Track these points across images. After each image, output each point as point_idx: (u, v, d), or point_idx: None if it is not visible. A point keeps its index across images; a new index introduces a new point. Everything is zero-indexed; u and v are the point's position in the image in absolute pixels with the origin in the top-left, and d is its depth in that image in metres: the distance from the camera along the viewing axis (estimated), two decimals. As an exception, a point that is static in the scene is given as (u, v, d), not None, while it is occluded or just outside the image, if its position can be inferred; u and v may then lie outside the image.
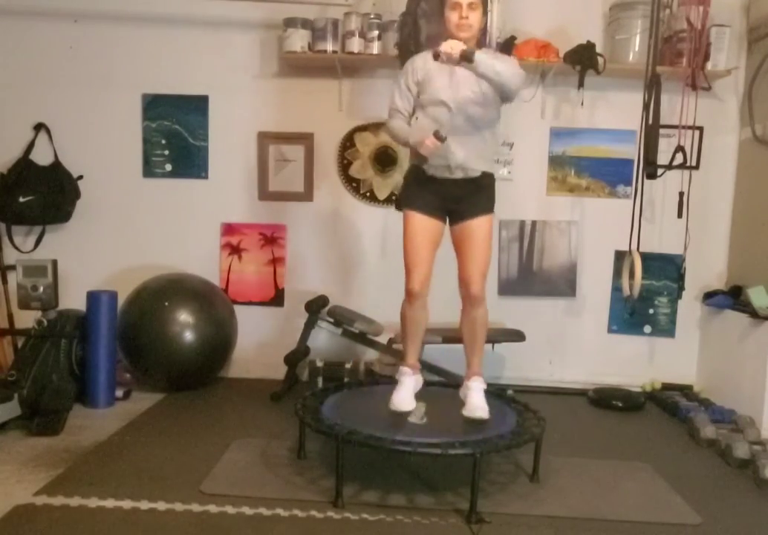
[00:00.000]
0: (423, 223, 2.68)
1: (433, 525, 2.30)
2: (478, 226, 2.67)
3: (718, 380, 3.74)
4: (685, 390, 3.87)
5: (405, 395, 2.69)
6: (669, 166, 3.58)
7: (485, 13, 2.67)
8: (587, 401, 3.78)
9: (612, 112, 3.88)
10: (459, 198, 2.68)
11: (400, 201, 2.82)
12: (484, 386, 2.75)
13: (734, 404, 3.45)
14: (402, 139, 2.73)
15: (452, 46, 2.48)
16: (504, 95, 2.65)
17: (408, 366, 2.79)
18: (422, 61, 2.70)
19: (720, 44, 3.62)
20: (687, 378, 3.95)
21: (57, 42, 3.92)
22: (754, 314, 3.34)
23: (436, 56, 2.52)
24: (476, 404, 2.66)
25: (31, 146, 3.94)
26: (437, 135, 2.54)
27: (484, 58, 2.49)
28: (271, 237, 4.03)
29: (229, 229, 4.05)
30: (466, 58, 2.48)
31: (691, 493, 2.62)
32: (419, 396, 2.87)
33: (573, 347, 4.01)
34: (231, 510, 2.33)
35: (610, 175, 3.94)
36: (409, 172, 2.79)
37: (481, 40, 2.76)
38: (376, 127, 3.92)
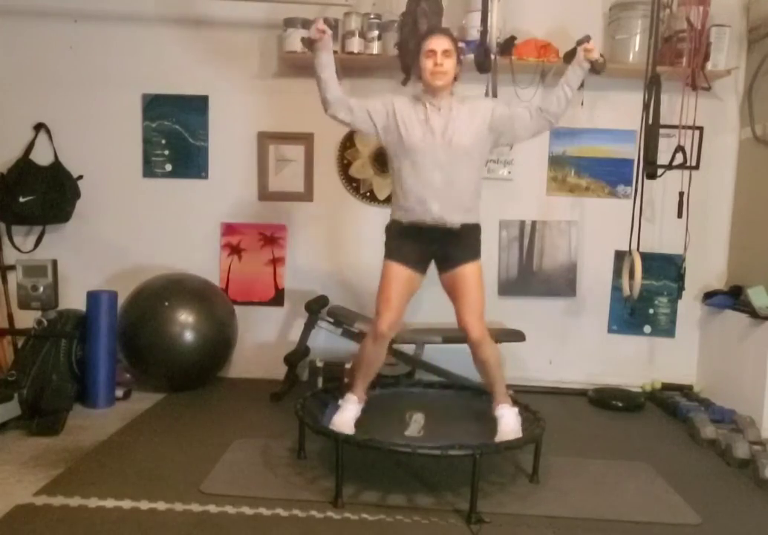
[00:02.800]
0: (401, 273, 2.67)
1: (433, 525, 2.30)
2: (467, 272, 2.67)
3: (718, 380, 3.74)
4: (685, 390, 3.87)
5: (347, 420, 2.66)
6: (669, 166, 3.59)
7: (459, 61, 2.66)
8: (587, 401, 3.78)
9: (612, 112, 3.87)
10: (443, 247, 2.67)
11: (384, 252, 2.78)
12: (515, 410, 2.74)
13: (734, 404, 3.45)
14: (318, 74, 2.66)
15: (315, 27, 2.55)
16: (543, 126, 2.73)
17: (355, 395, 2.77)
18: (399, 104, 2.67)
19: (720, 44, 3.61)
20: (687, 378, 3.95)
21: (57, 42, 3.92)
22: (754, 314, 3.34)
23: (308, 43, 2.57)
24: (507, 429, 2.65)
25: (31, 146, 3.95)
26: (326, 19, 2.56)
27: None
28: (271, 237, 4.03)
29: (229, 229, 4.05)
30: (598, 69, 2.63)
31: (691, 493, 2.62)
32: (418, 406, 2.87)
33: (573, 347, 4.01)
34: (231, 510, 2.33)
35: (610, 175, 3.94)
36: (389, 226, 2.77)
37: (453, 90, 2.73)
38: (376, 127, 3.92)
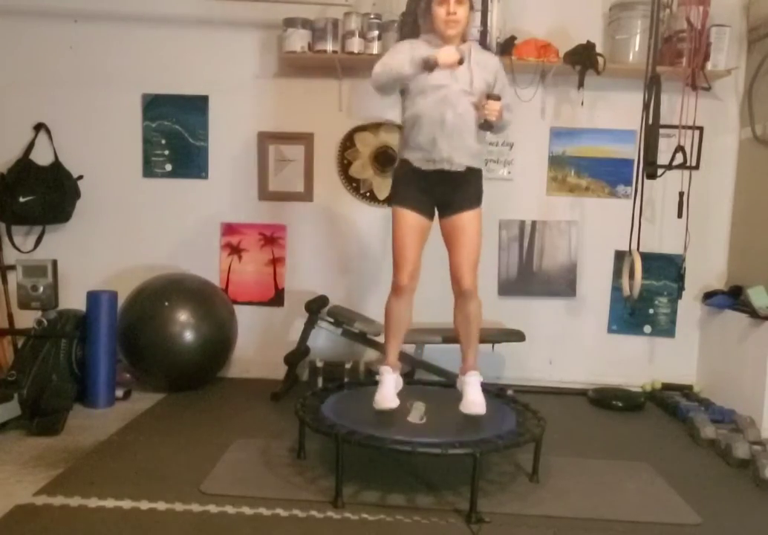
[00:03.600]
0: (411, 219, 2.69)
1: (433, 525, 2.30)
2: (467, 220, 2.69)
3: (718, 380, 3.74)
4: (685, 390, 3.87)
5: (388, 393, 2.69)
6: (669, 166, 3.58)
7: (472, 7, 2.66)
8: (587, 401, 3.78)
9: (612, 112, 3.87)
10: (446, 192, 2.69)
11: (390, 198, 2.84)
12: (481, 379, 2.75)
13: (734, 404, 3.45)
14: (404, 72, 2.55)
15: (448, 54, 2.50)
16: (491, 128, 2.72)
17: (389, 364, 2.79)
18: (420, 45, 2.67)
19: (720, 44, 3.61)
20: (687, 378, 3.95)
21: (57, 42, 3.92)
22: (754, 314, 3.34)
23: (429, 67, 2.52)
24: (472, 399, 2.65)
25: (31, 146, 3.94)
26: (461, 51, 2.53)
27: (506, 119, 2.69)
28: (271, 237, 4.03)
29: (229, 229, 4.04)
30: (487, 127, 2.65)
31: (691, 493, 2.62)
32: (419, 396, 2.88)
33: (573, 347, 4.01)
34: (231, 510, 2.33)
35: (610, 175, 3.94)
36: (398, 168, 2.79)
37: (468, 36, 2.75)
38: (376, 127, 3.92)
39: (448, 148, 2.62)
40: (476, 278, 2.72)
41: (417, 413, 2.70)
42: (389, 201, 2.88)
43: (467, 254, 2.69)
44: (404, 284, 2.69)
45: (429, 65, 2.53)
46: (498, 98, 2.59)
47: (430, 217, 2.75)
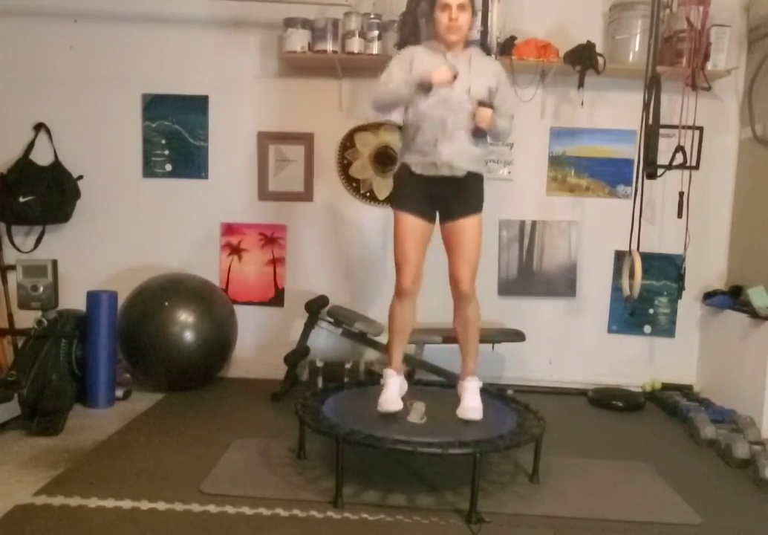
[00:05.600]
0: (412, 223, 2.69)
1: (433, 525, 2.30)
2: (467, 225, 2.69)
3: (718, 380, 3.74)
4: (685, 390, 3.87)
5: (391, 396, 2.70)
6: (669, 166, 3.58)
7: (474, 13, 2.67)
8: (587, 401, 3.78)
9: (612, 112, 3.88)
10: (447, 197, 2.69)
11: (391, 202, 2.84)
12: (480, 385, 2.76)
13: (734, 404, 3.45)
14: (402, 93, 2.62)
15: (441, 74, 2.52)
16: (490, 137, 2.75)
17: (393, 368, 2.80)
18: (422, 53, 2.69)
19: (720, 44, 3.62)
20: (687, 378, 3.95)
21: (57, 42, 3.92)
22: (754, 314, 3.34)
23: (425, 89, 2.54)
24: (469, 404, 2.67)
25: (31, 146, 3.95)
26: (454, 69, 2.54)
27: (497, 127, 2.65)
28: (271, 237, 4.03)
29: (229, 229, 4.05)
30: (479, 134, 2.65)
31: (691, 493, 2.62)
32: (419, 396, 2.88)
33: (573, 347, 4.01)
34: (231, 510, 2.33)
35: (610, 175, 3.94)
36: (398, 172, 2.79)
37: (470, 41, 2.77)
38: (376, 127, 3.92)
39: (449, 152, 2.62)
40: (475, 282, 2.72)
41: (417, 414, 2.70)
42: (390, 203, 2.88)
43: (467, 258, 2.69)
44: (407, 288, 2.70)
45: (425, 88, 2.56)
46: (489, 105, 2.59)
47: (432, 220, 2.74)
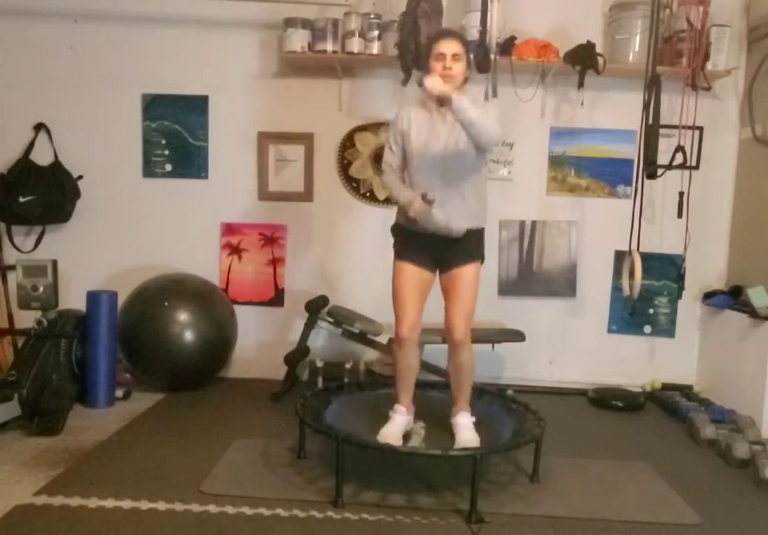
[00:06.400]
0: (411, 273, 2.69)
1: (433, 525, 2.30)
2: (464, 273, 2.68)
3: (718, 380, 3.74)
4: (685, 390, 3.87)
5: (393, 432, 2.68)
6: (669, 166, 3.58)
7: (468, 63, 2.65)
8: (587, 401, 3.78)
9: (612, 112, 3.87)
10: (444, 251, 2.68)
11: (394, 251, 2.80)
12: (473, 420, 2.75)
13: (734, 404, 3.45)
14: (394, 197, 2.74)
15: (433, 84, 2.47)
16: (477, 146, 2.59)
17: (403, 406, 2.79)
18: (407, 112, 2.68)
19: (720, 44, 3.62)
20: (687, 378, 3.95)
21: (57, 42, 3.92)
22: (754, 314, 3.34)
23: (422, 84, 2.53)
24: (466, 437, 2.66)
25: (31, 146, 3.94)
26: (425, 198, 2.51)
27: (461, 105, 2.42)
28: (271, 237, 4.03)
29: (229, 229, 4.05)
30: (442, 102, 2.51)
31: (691, 493, 2.62)
32: (418, 396, 2.87)
33: (573, 347, 4.01)
34: (231, 510, 2.33)
35: (610, 175, 3.94)
36: (394, 227, 2.79)
37: (467, 89, 2.70)
38: (376, 127, 3.92)
39: (443, 216, 2.61)
40: (469, 329, 2.70)
41: (417, 438, 2.71)
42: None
43: (461, 306, 2.67)
44: (404, 337, 2.68)
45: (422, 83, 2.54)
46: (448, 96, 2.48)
47: (431, 270, 2.73)
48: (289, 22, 3.66)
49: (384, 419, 2.73)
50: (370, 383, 3.38)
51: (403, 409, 2.77)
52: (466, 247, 2.69)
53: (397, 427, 2.71)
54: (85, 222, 3.99)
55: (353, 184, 3.98)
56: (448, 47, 2.56)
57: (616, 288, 3.90)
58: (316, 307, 3.73)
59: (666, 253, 3.93)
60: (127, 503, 2.36)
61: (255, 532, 2.21)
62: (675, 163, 3.58)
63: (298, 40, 3.65)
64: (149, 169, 4.01)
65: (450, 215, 2.61)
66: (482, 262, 2.76)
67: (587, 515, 2.41)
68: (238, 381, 3.94)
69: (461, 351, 2.70)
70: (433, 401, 3.04)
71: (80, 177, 3.95)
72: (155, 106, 3.97)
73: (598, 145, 3.93)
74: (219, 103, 3.96)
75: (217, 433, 3.07)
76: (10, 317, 3.89)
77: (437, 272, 2.75)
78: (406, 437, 2.72)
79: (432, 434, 2.75)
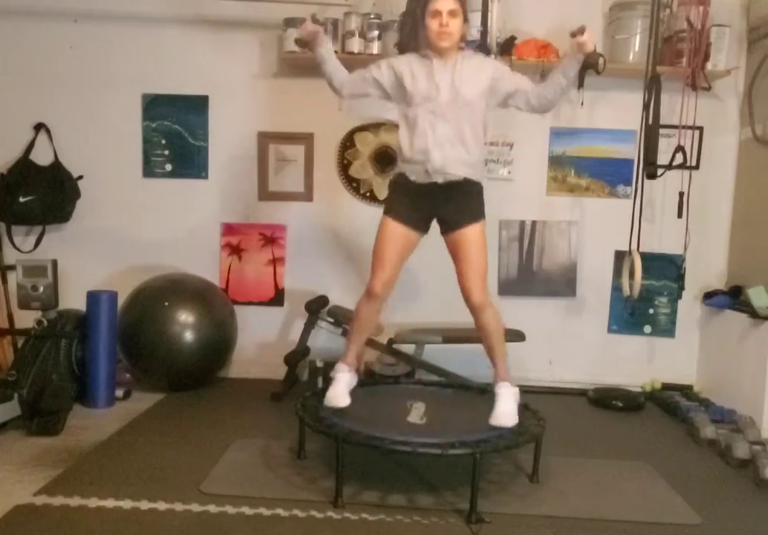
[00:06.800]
0: (397, 230, 2.67)
1: (433, 525, 2.30)
2: (468, 235, 2.66)
3: (718, 380, 3.74)
4: (685, 390, 3.87)
5: (339, 391, 2.68)
6: (669, 166, 3.58)
7: (465, 20, 2.66)
8: (587, 401, 3.78)
9: (612, 112, 3.87)
10: (443, 207, 2.66)
11: (384, 205, 2.81)
12: (514, 390, 2.72)
13: (734, 404, 3.45)
14: (321, 68, 2.72)
15: (305, 28, 2.60)
16: (540, 109, 2.68)
17: (346, 363, 2.78)
18: (408, 59, 2.69)
19: (720, 44, 3.61)
20: (687, 378, 3.95)
21: (57, 42, 3.92)
22: (754, 314, 3.34)
23: (302, 43, 2.63)
24: (502, 410, 2.62)
25: (31, 146, 3.95)
26: (313, 17, 2.58)
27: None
28: (271, 237, 4.03)
29: (229, 229, 4.05)
30: (590, 65, 2.52)
31: (691, 493, 2.62)
32: (419, 396, 2.87)
33: (573, 347, 4.01)
34: (231, 510, 2.33)
35: (610, 175, 3.94)
36: (394, 179, 2.78)
37: (465, 45, 2.75)
38: (376, 127, 3.92)
39: (441, 158, 2.60)
40: (486, 290, 2.68)
41: (417, 413, 2.70)
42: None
43: (474, 269, 2.65)
44: (377, 291, 2.68)
45: (301, 42, 2.65)
46: (581, 31, 2.46)
47: (419, 231, 2.71)
48: (289, 22, 3.65)
49: (384, 419, 2.72)
50: (370, 382, 3.37)
51: (345, 366, 2.76)
52: (466, 204, 2.67)
53: (342, 386, 2.70)
54: (85, 222, 3.99)
55: (353, 184, 3.98)
56: (444, 4, 2.55)
57: (616, 288, 3.90)
58: (316, 307, 3.73)
59: (666, 253, 3.93)
60: (127, 503, 2.36)
61: (255, 532, 2.21)
62: (675, 163, 3.58)
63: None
64: (149, 169, 4.02)
65: (447, 160, 2.60)
66: (485, 220, 2.73)
67: (587, 515, 2.41)
68: (238, 381, 3.94)
69: (483, 313, 2.67)
70: (433, 392, 3.06)
71: (80, 177, 3.95)
72: (155, 106, 3.97)
73: (598, 145, 3.93)
74: (219, 103, 3.96)
75: (217, 433, 3.07)
76: (10, 317, 3.89)
77: (440, 233, 2.73)
78: (405, 413, 2.69)
79: (432, 412, 2.73)
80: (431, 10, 2.58)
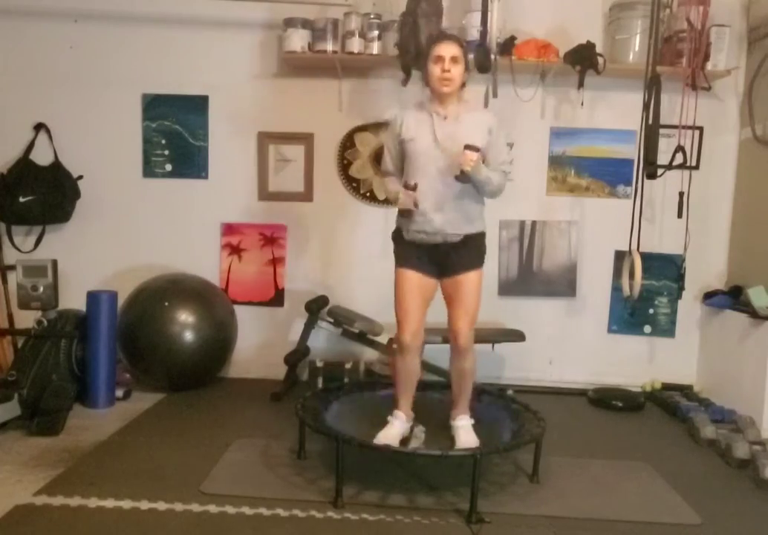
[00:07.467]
0: (413, 279, 2.67)
1: (433, 525, 2.30)
2: (466, 280, 2.66)
3: (718, 380, 3.74)
4: (685, 390, 3.87)
5: (391, 435, 2.67)
6: (669, 166, 3.58)
7: (467, 67, 2.65)
8: (587, 401, 3.78)
9: (612, 112, 3.87)
10: (445, 257, 2.67)
11: (394, 257, 2.79)
12: (472, 422, 2.75)
13: (734, 404, 3.45)
14: (387, 194, 2.78)
15: (406, 203, 2.56)
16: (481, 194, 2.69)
17: (403, 412, 2.77)
18: (405, 118, 2.68)
19: (720, 44, 3.61)
20: (687, 378, 3.95)
21: (57, 42, 3.92)
22: (754, 314, 3.34)
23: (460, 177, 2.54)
24: (465, 440, 2.66)
25: (31, 146, 3.94)
26: (407, 185, 2.53)
27: (478, 177, 2.54)
28: (271, 237, 4.03)
29: (229, 229, 4.05)
30: (464, 179, 2.53)
31: (691, 493, 2.62)
32: (417, 396, 2.86)
33: (573, 347, 4.00)
34: (231, 510, 2.33)
35: (610, 175, 3.94)
36: (394, 233, 2.78)
37: (461, 94, 2.71)
38: (376, 127, 3.92)
39: (441, 221, 2.60)
40: (472, 336, 2.69)
41: (417, 442, 2.72)
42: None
43: (466, 314, 2.66)
44: (407, 343, 2.67)
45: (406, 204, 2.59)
46: (476, 149, 2.48)
47: (433, 275, 2.71)
48: (289, 22, 3.66)
49: (384, 419, 2.73)
50: (370, 383, 3.38)
51: (403, 415, 2.75)
52: (467, 253, 2.67)
53: (395, 432, 2.70)
54: (85, 222, 3.98)
55: (353, 184, 3.98)
56: (447, 50, 2.56)
57: (616, 288, 3.90)
58: (316, 307, 3.73)
59: (666, 253, 3.93)
60: (127, 503, 2.36)
61: (255, 532, 2.21)
62: (675, 163, 3.58)
63: (298, 40, 3.65)
64: (149, 169, 4.01)
65: (447, 222, 2.61)
66: (482, 267, 2.74)
67: (587, 515, 2.41)
68: (238, 381, 3.94)
69: (465, 357, 2.70)
70: (433, 404, 3.03)
71: (80, 177, 3.95)
72: (155, 106, 3.97)
73: (598, 145, 3.93)
74: (219, 103, 3.96)
75: (217, 433, 3.07)
76: (10, 317, 3.89)
77: (439, 278, 2.73)
78: (406, 440, 2.71)
79: (431, 437, 2.75)
80: (434, 55, 2.58)
